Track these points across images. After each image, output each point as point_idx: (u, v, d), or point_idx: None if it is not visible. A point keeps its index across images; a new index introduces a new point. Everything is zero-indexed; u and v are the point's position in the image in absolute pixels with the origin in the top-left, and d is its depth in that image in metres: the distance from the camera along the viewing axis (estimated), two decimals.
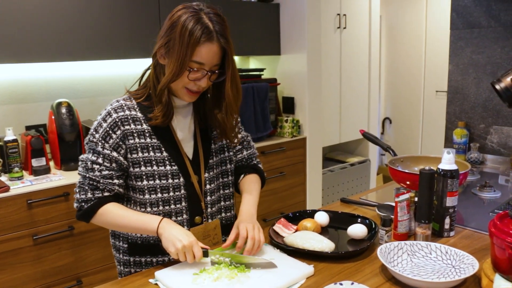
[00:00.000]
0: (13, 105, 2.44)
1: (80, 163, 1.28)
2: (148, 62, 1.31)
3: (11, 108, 2.43)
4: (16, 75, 2.44)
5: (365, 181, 4.02)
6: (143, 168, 1.27)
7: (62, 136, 2.29)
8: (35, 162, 2.22)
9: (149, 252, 1.34)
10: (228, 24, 1.23)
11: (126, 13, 2.45)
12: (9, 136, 2.15)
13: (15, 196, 1.97)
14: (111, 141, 1.24)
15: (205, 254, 1.19)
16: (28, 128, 2.47)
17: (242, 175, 1.49)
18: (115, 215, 1.25)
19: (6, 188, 1.97)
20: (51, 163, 2.38)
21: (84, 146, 1.29)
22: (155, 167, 1.27)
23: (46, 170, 2.24)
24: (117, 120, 1.25)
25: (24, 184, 2.07)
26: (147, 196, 1.29)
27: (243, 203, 1.38)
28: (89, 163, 1.25)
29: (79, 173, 1.27)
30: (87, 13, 2.32)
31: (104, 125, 1.25)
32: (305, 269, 1.17)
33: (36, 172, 2.21)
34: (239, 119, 1.50)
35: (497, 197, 1.79)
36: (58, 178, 2.17)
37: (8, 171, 2.15)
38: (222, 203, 1.43)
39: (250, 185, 1.45)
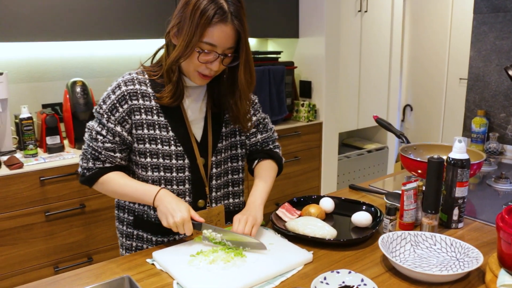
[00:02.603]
0: (30, 83, 2.47)
1: (86, 129, 1.28)
2: (163, 42, 1.28)
3: (28, 87, 2.47)
4: (33, 54, 2.46)
5: (382, 168, 3.95)
6: (147, 145, 1.26)
7: (76, 115, 2.32)
8: (49, 140, 2.25)
9: (150, 230, 1.34)
10: (244, 6, 1.18)
11: None
12: (24, 113, 2.18)
13: (28, 172, 2.01)
14: (117, 114, 1.23)
15: (199, 227, 1.19)
16: (44, 106, 2.50)
17: (256, 161, 1.45)
18: (115, 184, 1.26)
19: (20, 165, 2.01)
20: (66, 142, 2.42)
21: (93, 113, 1.28)
22: (159, 146, 1.26)
23: (60, 148, 2.27)
24: (125, 93, 1.23)
25: (38, 161, 2.10)
26: (149, 173, 1.28)
27: (252, 193, 1.35)
28: (94, 132, 1.25)
29: (84, 139, 1.28)
30: None
31: (112, 97, 1.24)
32: (304, 255, 1.15)
33: (50, 150, 2.24)
34: (256, 101, 1.46)
35: None
36: (71, 156, 2.20)
37: (23, 148, 2.19)
38: (230, 188, 1.40)
39: (262, 172, 1.41)
